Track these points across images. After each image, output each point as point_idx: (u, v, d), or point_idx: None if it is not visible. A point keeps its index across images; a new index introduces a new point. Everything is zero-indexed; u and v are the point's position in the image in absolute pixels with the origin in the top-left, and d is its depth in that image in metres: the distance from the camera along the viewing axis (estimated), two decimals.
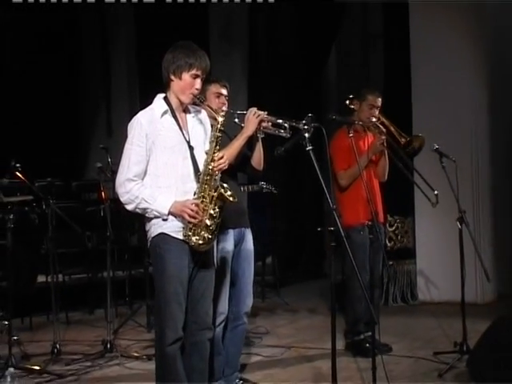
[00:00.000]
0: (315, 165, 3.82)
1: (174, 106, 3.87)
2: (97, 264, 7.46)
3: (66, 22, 10.06)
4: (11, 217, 5.25)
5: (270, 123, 4.33)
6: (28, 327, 6.85)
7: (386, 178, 5.82)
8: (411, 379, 5.01)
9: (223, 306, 4.58)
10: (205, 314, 3.90)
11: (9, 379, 4.58)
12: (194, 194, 3.79)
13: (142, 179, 3.80)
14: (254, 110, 4.35)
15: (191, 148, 3.85)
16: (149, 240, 3.87)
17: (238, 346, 4.82)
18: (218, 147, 3.82)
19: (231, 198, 3.76)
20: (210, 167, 3.78)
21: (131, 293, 7.60)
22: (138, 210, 3.80)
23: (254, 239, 4.79)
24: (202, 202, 3.75)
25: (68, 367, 5.47)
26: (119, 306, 7.33)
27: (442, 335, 6.12)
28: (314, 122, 4.00)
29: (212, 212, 3.76)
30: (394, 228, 7.91)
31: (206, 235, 3.75)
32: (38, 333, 6.66)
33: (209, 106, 4.06)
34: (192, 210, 3.70)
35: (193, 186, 3.82)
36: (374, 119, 5.61)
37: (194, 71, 3.80)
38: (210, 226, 3.76)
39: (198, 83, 3.84)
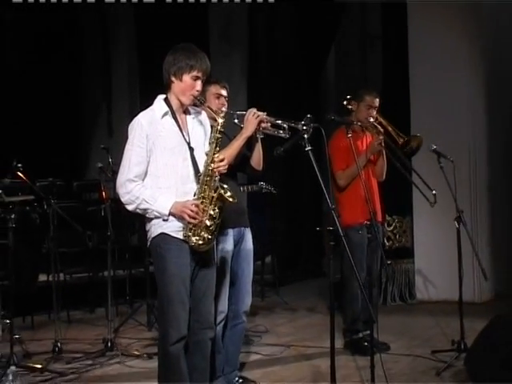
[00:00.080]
0: (314, 165, 3.83)
1: (174, 108, 3.87)
2: (98, 263, 7.46)
3: (67, 22, 10.04)
4: (13, 216, 5.25)
5: (269, 124, 4.33)
6: (29, 326, 6.86)
7: (384, 177, 5.82)
8: (409, 377, 5.02)
9: (223, 305, 4.59)
10: (207, 313, 3.91)
11: (11, 377, 4.58)
12: (194, 195, 3.79)
13: (143, 180, 3.81)
14: (253, 110, 4.36)
15: (191, 149, 3.85)
16: (149, 240, 3.87)
17: (238, 345, 4.83)
18: (217, 148, 3.83)
19: (231, 199, 3.76)
20: (210, 168, 3.79)
21: (132, 292, 7.61)
22: (138, 210, 3.80)
23: (253, 239, 4.80)
24: (202, 202, 3.76)
25: (69, 365, 5.47)
26: (120, 304, 7.33)
27: (440, 334, 6.13)
28: (313, 123, 4.01)
29: (212, 212, 3.76)
30: (392, 227, 7.92)
31: (205, 235, 3.76)
32: (39, 331, 6.67)
33: (209, 107, 4.07)
34: (192, 211, 3.70)
35: (193, 186, 3.82)
36: (371, 119, 5.61)
37: (194, 73, 3.81)
38: (210, 226, 3.76)
39: (198, 85, 3.84)
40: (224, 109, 4.36)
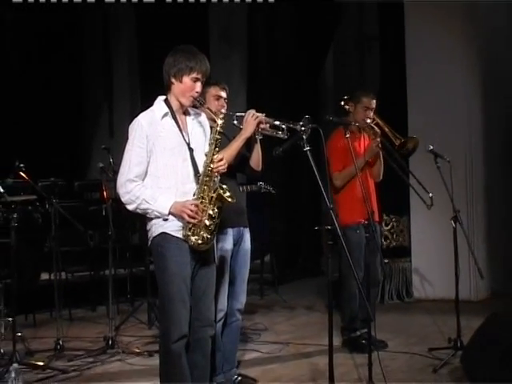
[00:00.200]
0: (313, 165, 3.83)
1: (174, 108, 3.87)
2: (99, 262, 7.47)
3: (68, 22, 10.04)
4: (15, 216, 5.24)
5: (268, 125, 4.33)
6: (32, 324, 6.86)
7: (381, 177, 5.83)
8: (407, 375, 5.02)
9: (222, 303, 4.60)
10: (207, 311, 3.90)
11: (13, 375, 4.58)
12: (194, 195, 3.79)
13: (143, 180, 3.81)
14: (252, 112, 4.36)
15: (191, 150, 3.85)
16: (150, 239, 3.87)
17: (234, 342, 4.84)
18: (217, 149, 3.83)
19: (230, 199, 3.76)
20: (210, 169, 3.79)
21: (132, 290, 7.61)
22: (138, 210, 3.80)
23: (252, 238, 4.81)
24: (202, 202, 3.76)
25: (71, 363, 5.47)
26: (121, 303, 7.33)
27: (437, 332, 6.13)
28: (311, 124, 4.01)
29: (211, 212, 3.76)
30: (389, 227, 7.93)
31: (205, 235, 3.76)
32: (41, 329, 6.67)
33: (208, 109, 4.08)
34: (191, 211, 3.70)
35: (192, 186, 3.82)
36: (368, 120, 5.61)
37: (194, 75, 3.81)
38: (209, 226, 3.76)
39: (198, 86, 3.85)
40: (223, 110, 4.36)
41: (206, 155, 3.84)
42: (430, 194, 5.56)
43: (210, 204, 3.76)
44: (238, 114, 4.45)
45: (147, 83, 9.66)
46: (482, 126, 7.90)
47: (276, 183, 7.42)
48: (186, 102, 3.87)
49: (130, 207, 3.80)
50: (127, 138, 3.85)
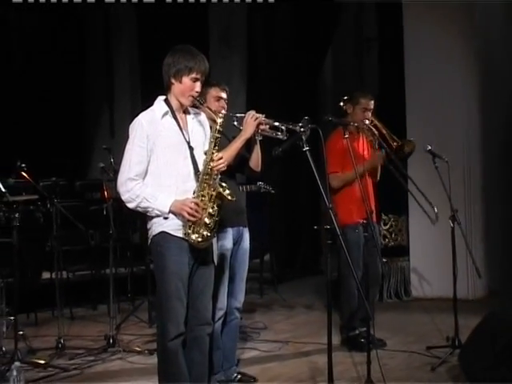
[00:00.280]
0: (312, 165, 3.83)
1: (174, 108, 3.88)
2: (100, 261, 7.47)
3: (69, 23, 10.03)
4: (17, 215, 5.25)
5: (267, 126, 4.34)
6: (33, 322, 6.85)
7: (379, 178, 5.82)
8: (405, 373, 5.02)
9: (222, 301, 4.60)
10: (204, 310, 3.91)
11: (15, 373, 4.58)
12: (194, 193, 3.80)
13: (143, 179, 3.82)
14: (252, 113, 4.36)
15: (191, 148, 3.86)
16: (150, 238, 3.88)
17: (234, 340, 4.85)
18: (216, 147, 3.83)
19: (229, 197, 3.77)
20: (209, 167, 3.79)
21: (133, 289, 7.60)
22: (139, 208, 3.80)
23: (252, 237, 4.82)
24: (202, 200, 3.76)
25: (72, 361, 5.48)
26: (121, 301, 7.32)
27: (435, 330, 6.13)
28: (311, 124, 4.01)
29: (211, 210, 3.76)
30: (388, 226, 7.93)
31: (205, 233, 3.76)
32: (42, 328, 6.67)
33: (208, 108, 4.08)
34: (191, 209, 3.71)
35: (193, 185, 3.82)
36: (367, 122, 5.60)
37: (193, 75, 3.82)
38: (209, 223, 3.76)
39: (197, 86, 3.85)
40: (224, 111, 4.36)
41: (205, 154, 3.85)
42: (436, 209, 5.56)
43: (209, 202, 3.76)
44: (238, 115, 4.46)
45: (148, 83, 9.65)
46: (480, 126, 7.90)
47: (275, 183, 7.42)
48: (186, 101, 3.88)
49: (131, 205, 3.81)
50: (128, 138, 3.86)
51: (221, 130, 3.85)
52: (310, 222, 9.23)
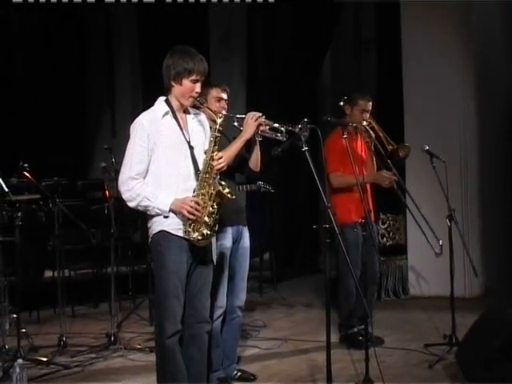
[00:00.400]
0: (311, 165, 3.84)
1: (174, 108, 3.89)
2: (101, 260, 7.47)
3: (70, 23, 10.02)
4: (19, 215, 5.26)
5: (267, 127, 4.34)
6: (36, 320, 6.85)
7: None
8: (402, 370, 5.03)
9: (221, 300, 4.61)
10: (202, 308, 3.91)
11: (18, 370, 4.57)
12: (194, 192, 3.81)
13: (144, 178, 3.82)
14: (252, 114, 4.37)
15: (191, 148, 3.86)
16: (150, 237, 3.88)
17: (235, 338, 4.86)
18: (216, 147, 3.84)
19: (229, 195, 3.78)
20: (209, 166, 3.80)
21: (134, 287, 7.59)
22: (139, 207, 3.81)
23: (252, 236, 4.82)
24: (201, 199, 3.77)
25: (74, 359, 5.48)
26: (123, 300, 7.32)
27: (432, 328, 6.14)
28: (310, 125, 4.02)
29: (211, 209, 3.77)
30: (386, 225, 7.92)
31: (204, 231, 3.76)
32: (45, 326, 6.67)
33: (208, 108, 4.09)
34: (191, 207, 3.71)
35: (193, 184, 3.83)
36: (364, 123, 5.60)
37: (193, 77, 3.82)
38: (209, 222, 3.77)
39: (197, 87, 3.86)
40: (224, 112, 4.37)
41: (205, 153, 3.86)
42: (440, 242, 5.58)
43: (209, 200, 3.77)
44: (238, 116, 4.47)
45: (149, 83, 9.64)
46: (477, 127, 7.90)
47: (275, 183, 7.41)
48: (187, 102, 3.89)
49: (131, 204, 3.81)
50: (129, 138, 3.86)
51: (220, 129, 3.86)
52: (309, 222, 9.23)
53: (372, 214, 5.72)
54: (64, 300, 6.27)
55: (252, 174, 4.69)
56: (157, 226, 3.82)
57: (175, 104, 3.89)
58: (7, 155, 7.15)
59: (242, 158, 4.55)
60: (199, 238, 3.76)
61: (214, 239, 3.97)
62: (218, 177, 3.84)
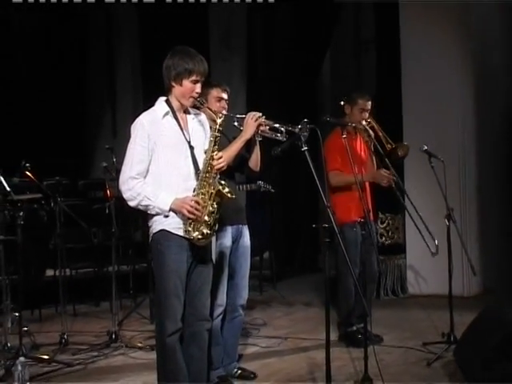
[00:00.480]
0: (310, 165, 3.85)
1: (175, 108, 3.90)
2: (102, 259, 7.47)
3: (71, 23, 10.01)
4: (21, 214, 5.26)
5: (267, 127, 4.35)
6: (37, 319, 6.87)
7: None
8: (401, 368, 5.04)
9: (221, 298, 4.62)
10: (202, 307, 3.93)
11: (20, 367, 4.59)
12: (194, 191, 3.82)
13: (145, 177, 3.83)
14: (252, 114, 4.38)
15: (191, 148, 3.88)
16: (150, 236, 3.89)
17: (236, 337, 4.87)
18: (216, 146, 3.86)
19: (229, 195, 3.78)
20: (209, 165, 3.81)
21: (135, 286, 7.60)
22: (140, 206, 3.82)
23: (252, 235, 4.83)
24: (201, 198, 3.77)
25: (75, 357, 5.50)
26: (124, 298, 7.31)
27: (431, 326, 6.15)
28: (310, 125, 4.03)
29: (210, 208, 3.78)
30: (385, 225, 7.93)
31: (204, 231, 3.77)
32: (46, 324, 6.68)
33: (208, 108, 4.10)
34: (191, 206, 3.72)
35: (193, 183, 3.84)
36: (364, 122, 5.61)
37: (193, 77, 3.84)
38: (209, 221, 3.78)
39: (197, 87, 3.87)
40: (224, 111, 4.38)
41: (205, 153, 3.87)
42: (436, 242, 5.58)
43: (209, 200, 3.78)
44: (238, 116, 4.47)
45: (149, 83, 9.64)
46: (475, 127, 7.91)
47: (275, 182, 7.41)
48: (187, 102, 3.90)
49: (132, 204, 3.82)
50: (130, 138, 3.87)
51: (220, 129, 3.87)
52: (308, 221, 9.24)
53: (371, 214, 5.73)
54: (65, 298, 6.28)
55: (252, 173, 4.70)
56: (157, 225, 3.83)
57: (175, 104, 3.90)
58: (9, 155, 7.14)
59: (242, 158, 4.56)
60: (199, 237, 3.76)
61: (213, 238, 3.98)
62: (218, 176, 3.86)
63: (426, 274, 7.76)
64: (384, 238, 7.93)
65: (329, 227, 3.88)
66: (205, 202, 3.77)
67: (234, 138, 4.48)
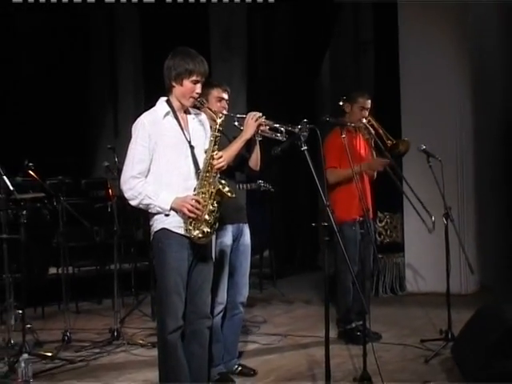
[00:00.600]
0: (310, 164, 3.85)
1: (175, 108, 3.91)
2: (104, 257, 7.47)
3: (73, 23, 10.00)
4: (24, 213, 5.27)
5: (267, 127, 4.36)
6: (40, 316, 6.88)
7: (375, 176, 5.84)
8: (399, 365, 5.05)
9: (222, 296, 4.63)
10: (203, 304, 3.93)
11: (23, 364, 4.60)
12: (194, 190, 3.82)
13: (146, 177, 3.84)
14: (253, 114, 4.38)
15: (192, 147, 3.88)
16: (152, 234, 3.90)
17: (236, 334, 4.88)
18: (216, 146, 3.86)
19: (229, 194, 3.79)
20: (209, 165, 3.82)
21: (137, 284, 7.62)
22: (141, 205, 3.83)
23: (252, 234, 4.83)
24: (202, 197, 3.78)
25: (78, 354, 5.51)
26: (125, 296, 7.33)
27: (429, 324, 6.15)
28: (309, 125, 4.04)
29: (211, 207, 3.78)
30: (383, 223, 7.93)
31: (205, 229, 3.78)
32: (49, 321, 6.69)
33: (208, 108, 4.11)
34: (192, 205, 3.73)
35: (193, 183, 3.84)
36: (364, 120, 5.62)
37: (194, 77, 3.84)
38: (209, 220, 3.79)
39: (198, 88, 3.88)
40: (225, 111, 4.39)
41: (205, 152, 3.87)
42: (433, 218, 5.58)
43: (209, 199, 3.79)
44: (238, 115, 4.48)
45: (151, 83, 9.62)
46: (473, 127, 7.90)
47: (275, 182, 7.44)
48: (187, 102, 3.91)
49: (133, 203, 3.83)
50: (131, 138, 3.88)
51: (221, 129, 3.88)
52: (308, 220, 9.23)
53: (370, 212, 5.73)
54: (68, 296, 6.29)
55: (252, 173, 4.71)
56: (158, 223, 3.84)
57: (176, 104, 3.91)
58: (12, 154, 7.14)
59: (242, 158, 4.57)
60: (200, 235, 3.77)
61: (213, 237, 3.98)
62: (218, 176, 3.86)
63: (424, 272, 7.76)
64: (383, 237, 7.94)
65: (328, 226, 3.89)
66: (205, 201, 3.78)
67: (235, 138, 4.49)
